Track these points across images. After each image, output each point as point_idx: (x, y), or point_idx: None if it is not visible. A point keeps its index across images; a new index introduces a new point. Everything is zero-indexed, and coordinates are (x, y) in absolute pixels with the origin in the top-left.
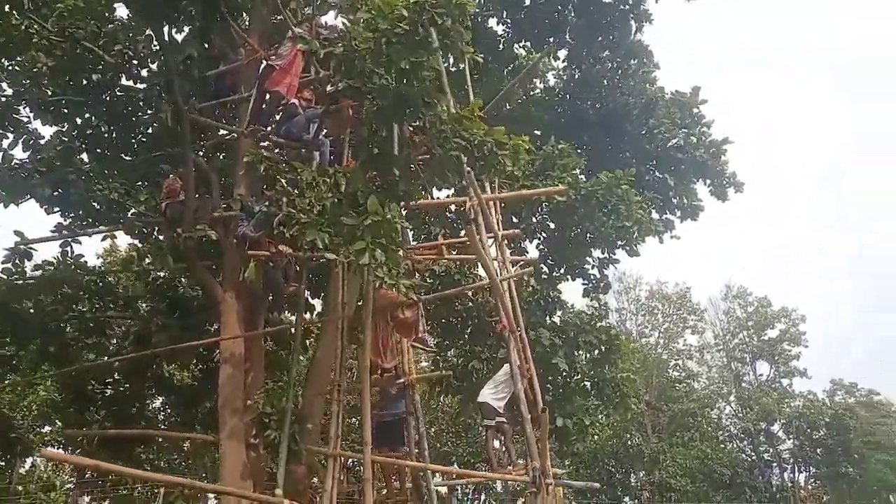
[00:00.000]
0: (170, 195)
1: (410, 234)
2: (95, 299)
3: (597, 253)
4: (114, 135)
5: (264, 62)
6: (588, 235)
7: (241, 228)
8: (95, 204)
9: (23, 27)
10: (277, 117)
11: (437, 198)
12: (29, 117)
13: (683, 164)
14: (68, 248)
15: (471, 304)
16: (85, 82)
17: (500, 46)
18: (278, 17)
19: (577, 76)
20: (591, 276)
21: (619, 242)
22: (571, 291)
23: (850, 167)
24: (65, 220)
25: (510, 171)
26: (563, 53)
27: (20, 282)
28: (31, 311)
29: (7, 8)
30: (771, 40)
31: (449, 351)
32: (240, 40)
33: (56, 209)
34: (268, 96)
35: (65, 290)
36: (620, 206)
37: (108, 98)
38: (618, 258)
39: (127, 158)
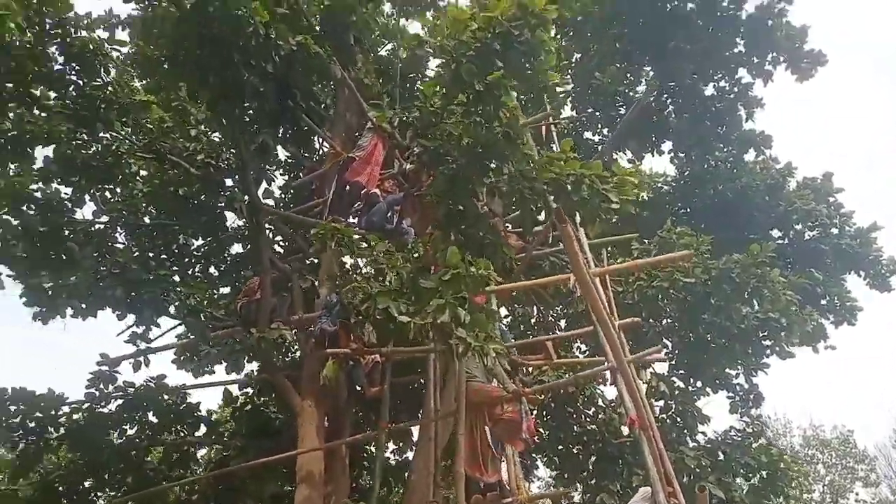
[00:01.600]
0: (247, 294)
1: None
2: (178, 426)
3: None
4: (196, 244)
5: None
6: (726, 335)
7: (319, 324)
8: (170, 307)
9: (113, 147)
10: (359, 209)
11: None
12: (124, 242)
13: (828, 257)
14: (141, 360)
15: (593, 426)
16: (176, 203)
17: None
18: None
19: (686, 172)
20: (737, 388)
21: (766, 343)
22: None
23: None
24: (139, 329)
25: (616, 211)
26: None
27: (104, 409)
28: (115, 441)
29: (101, 128)
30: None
31: (571, 486)
32: (325, 144)
33: (129, 314)
34: (348, 188)
35: (146, 418)
36: (762, 289)
37: (199, 217)
38: (767, 362)
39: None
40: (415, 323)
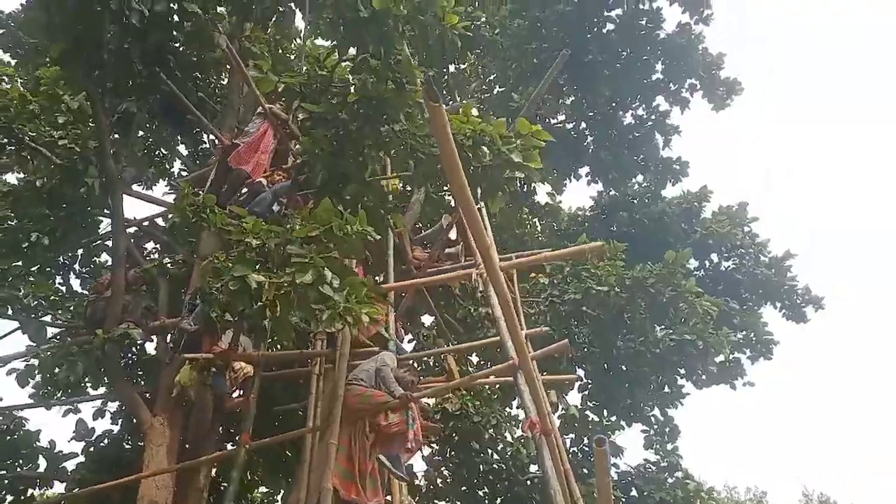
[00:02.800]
0: (97, 291)
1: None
2: (12, 460)
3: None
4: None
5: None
6: (641, 361)
7: (181, 324)
8: (6, 307)
9: None
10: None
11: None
12: None
13: (743, 286)
14: None
15: (500, 465)
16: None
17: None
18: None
19: (604, 199)
20: (653, 420)
21: (682, 370)
22: (628, 441)
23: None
24: None
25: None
26: (584, 171)
27: None
28: None
29: None
30: None
31: None
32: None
33: None
34: (231, 176)
35: None
36: (678, 300)
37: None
38: (685, 389)
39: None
40: (271, 283)
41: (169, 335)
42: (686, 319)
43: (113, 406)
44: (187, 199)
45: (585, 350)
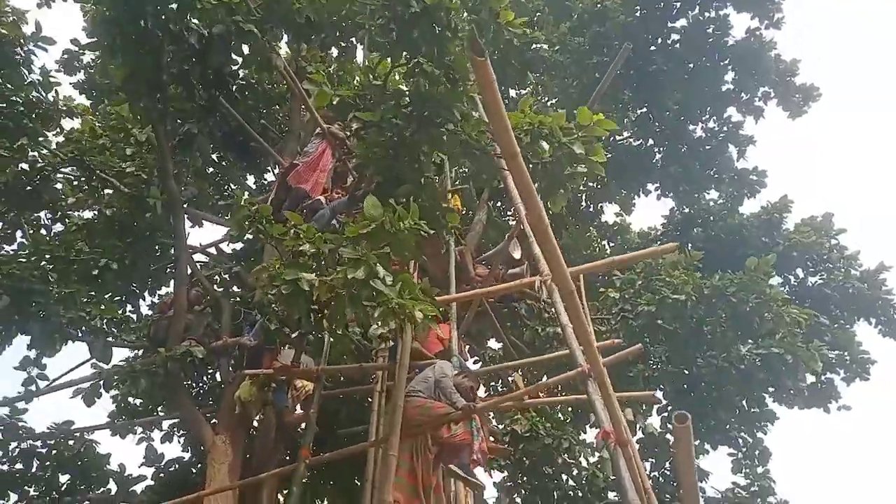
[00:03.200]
0: (160, 311)
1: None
2: (83, 484)
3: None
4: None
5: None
6: (724, 379)
7: (241, 340)
8: (76, 331)
9: (38, 165)
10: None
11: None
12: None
13: (833, 302)
14: (33, 390)
15: (573, 490)
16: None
17: (583, 203)
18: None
19: (676, 216)
20: (741, 442)
21: (769, 389)
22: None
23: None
24: (31, 352)
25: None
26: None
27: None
28: None
29: (24, 140)
30: None
31: None
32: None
33: (19, 332)
34: (291, 194)
35: (55, 475)
36: (764, 311)
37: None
38: (772, 410)
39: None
40: (321, 281)
41: (231, 354)
42: (772, 332)
43: (182, 432)
44: (243, 211)
45: (663, 369)
